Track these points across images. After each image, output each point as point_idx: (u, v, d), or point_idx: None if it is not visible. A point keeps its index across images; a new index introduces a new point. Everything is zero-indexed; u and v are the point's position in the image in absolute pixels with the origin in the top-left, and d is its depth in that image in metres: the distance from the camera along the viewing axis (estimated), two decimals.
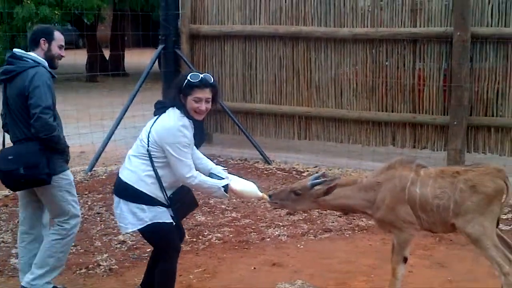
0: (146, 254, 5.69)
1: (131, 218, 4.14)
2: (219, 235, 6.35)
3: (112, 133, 9.05)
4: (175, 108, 4.14)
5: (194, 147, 4.43)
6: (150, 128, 4.15)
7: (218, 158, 9.19)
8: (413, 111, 8.95)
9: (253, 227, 6.57)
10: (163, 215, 4.16)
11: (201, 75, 4.12)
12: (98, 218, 6.84)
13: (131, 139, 4.36)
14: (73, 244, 4.87)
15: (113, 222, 6.68)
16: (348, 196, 4.52)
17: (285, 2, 9.62)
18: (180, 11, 10.22)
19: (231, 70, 10.22)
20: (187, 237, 6.23)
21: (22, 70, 4.48)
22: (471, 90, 8.49)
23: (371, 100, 9.22)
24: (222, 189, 4.17)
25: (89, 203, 7.32)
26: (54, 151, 4.54)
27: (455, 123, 8.47)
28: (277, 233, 6.40)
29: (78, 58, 14.65)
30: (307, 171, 8.70)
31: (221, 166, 4.57)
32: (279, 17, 9.71)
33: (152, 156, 4.11)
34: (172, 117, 4.10)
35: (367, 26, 9.10)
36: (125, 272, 5.46)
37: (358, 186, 4.53)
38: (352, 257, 5.77)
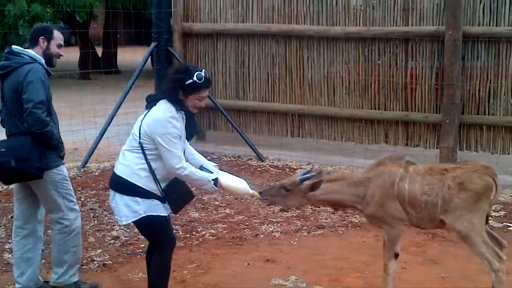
0: (140, 250, 5.71)
1: (125, 211, 4.16)
2: (212, 231, 6.36)
3: (105, 130, 9.06)
4: (165, 100, 4.17)
5: (187, 143, 4.47)
6: (141, 121, 4.19)
7: (212, 155, 9.20)
8: (405, 109, 9.00)
9: (246, 224, 6.59)
10: (157, 208, 4.18)
11: (205, 75, 4.16)
12: (92, 214, 6.84)
13: (124, 136, 4.38)
14: (79, 236, 4.87)
15: (107, 218, 6.70)
16: (338, 191, 4.56)
17: (278, 0, 9.64)
18: (172, 9, 10.23)
19: (223, 68, 10.24)
20: (180, 233, 6.27)
21: (18, 66, 4.50)
22: (463, 88, 8.54)
23: (364, 98, 9.26)
24: (212, 182, 4.19)
25: (82, 199, 7.31)
26: (48, 146, 4.55)
27: (447, 121, 8.52)
28: (270, 229, 6.43)
29: (70, 55, 14.63)
30: (300, 168, 8.72)
31: (214, 162, 4.58)
32: (272, 15, 9.73)
33: (145, 148, 4.13)
34: (162, 109, 4.13)
35: (360, 25, 9.13)
36: (119, 268, 5.46)
37: (348, 182, 4.56)
38: (345, 254, 5.80)
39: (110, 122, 9.12)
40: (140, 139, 4.13)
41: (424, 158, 8.12)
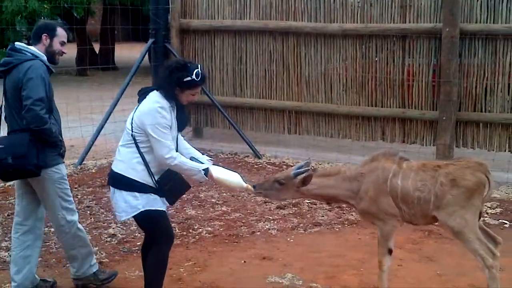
0: (136, 248, 5.71)
1: (124, 206, 4.20)
2: (209, 229, 6.36)
3: (101, 126, 9.05)
4: (155, 92, 4.22)
5: (181, 137, 4.50)
6: (133, 114, 4.23)
7: (209, 152, 9.19)
8: (402, 106, 9.00)
9: (243, 221, 6.60)
10: (156, 203, 4.22)
11: (201, 72, 4.20)
12: (88, 212, 6.84)
13: (121, 133, 4.37)
14: (81, 234, 4.89)
15: (103, 215, 6.70)
16: (332, 185, 4.57)
17: None
18: (170, 6, 10.22)
19: (221, 65, 10.23)
20: (177, 230, 6.27)
21: (19, 63, 4.51)
22: (460, 85, 8.55)
23: (361, 95, 9.26)
24: (202, 172, 4.21)
25: (79, 196, 7.31)
26: (47, 143, 4.55)
27: (444, 118, 8.52)
28: (267, 227, 6.43)
29: (68, 51, 14.57)
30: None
31: (209, 157, 4.60)
32: (269, 12, 9.72)
33: (137, 141, 4.17)
34: (152, 100, 4.17)
35: (357, 22, 9.12)
36: (115, 266, 5.46)
37: (342, 176, 4.58)
38: (341, 251, 5.81)
39: (107, 119, 9.11)
40: (132, 132, 4.18)
41: (421, 155, 8.15)
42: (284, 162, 9.10)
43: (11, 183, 7.76)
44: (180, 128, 4.36)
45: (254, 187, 4.56)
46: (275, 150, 9.61)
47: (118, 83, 11.95)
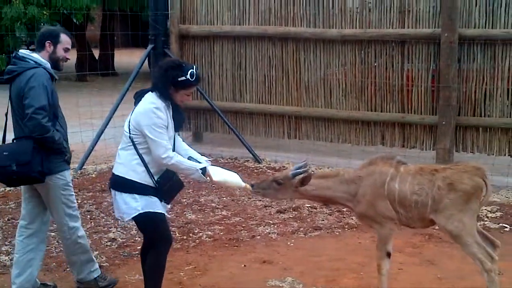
0: (137, 252, 5.70)
1: (125, 208, 4.23)
2: (209, 233, 6.37)
3: (101, 132, 9.06)
4: (150, 93, 4.25)
5: (179, 138, 4.52)
6: (130, 117, 4.26)
7: (209, 157, 9.16)
8: (402, 111, 9.02)
9: (243, 225, 6.60)
10: (155, 205, 4.24)
11: (196, 72, 4.22)
12: (88, 216, 6.84)
13: (121, 138, 4.40)
14: (82, 241, 4.91)
15: (103, 220, 6.71)
16: (330, 187, 4.59)
17: (274, 2, 9.66)
18: (169, 11, 10.24)
19: (220, 70, 10.26)
20: (177, 234, 6.27)
21: (22, 71, 4.53)
22: (459, 90, 8.57)
23: (360, 100, 9.28)
24: (200, 171, 4.23)
25: (79, 201, 7.29)
26: (51, 150, 4.56)
27: (443, 123, 8.54)
28: (267, 231, 6.43)
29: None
30: None
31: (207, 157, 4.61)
32: (268, 17, 9.76)
33: (135, 142, 4.20)
34: (147, 101, 4.20)
35: (356, 27, 9.16)
36: (116, 270, 5.46)
37: (340, 179, 4.60)
38: (341, 255, 5.81)
39: (107, 124, 9.13)
40: (130, 134, 4.21)
41: (421, 160, 8.14)
42: (284, 166, 9.09)
43: (11, 188, 7.80)
44: (177, 128, 4.38)
45: (252, 186, 4.58)
46: (275, 155, 9.62)
47: (118, 89, 11.96)
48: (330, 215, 6.92)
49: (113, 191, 4.32)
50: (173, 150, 4.25)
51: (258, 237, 6.29)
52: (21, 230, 4.82)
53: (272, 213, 7.00)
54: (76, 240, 4.84)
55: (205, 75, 10.31)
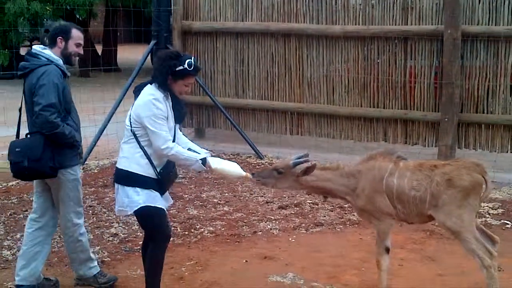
0: (138, 247, 5.70)
1: (127, 201, 4.27)
2: (211, 228, 6.38)
3: (104, 127, 9.07)
4: (149, 85, 4.27)
5: (180, 132, 4.53)
6: (130, 110, 4.29)
7: (211, 153, 9.19)
8: (404, 107, 9.02)
9: (245, 221, 6.61)
10: (156, 200, 4.27)
11: (194, 63, 4.25)
12: (90, 211, 6.85)
13: (123, 133, 4.42)
14: (83, 239, 4.94)
15: (105, 215, 6.72)
16: (330, 179, 4.60)
17: None
18: (172, 7, 10.23)
19: (223, 66, 10.26)
20: (179, 230, 6.28)
21: (35, 68, 4.56)
22: (462, 87, 8.56)
23: (363, 97, 9.28)
24: (200, 161, 4.24)
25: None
26: (62, 145, 4.58)
27: (446, 119, 8.54)
28: (268, 226, 6.44)
29: None
30: None
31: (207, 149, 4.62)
32: (271, 14, 9.75)
33: (137, 135, 4.23)
34: (146, 93, 4.23)
35: (359, 24, 9.15)
36: (117, 265, 5.48)
37: (341, 172, 4.60)
38: (343, 251, 5.81)
39: (110, 119, 9.14)
40: (131, 127, 4.24)
41: (423, 156, 8.15)
42: None
43: (13, 182, 7.83)
44: (178, 120, 4.39)
45: (253, 175, 4.59)
46: (277, 151, 9.62)
47: (120, 85, 11.95)
48: (332, 211, 6.93)
49: (116, 185, 4.35)
50: (174, 141, 4.27)
51: (260, 232, 6.29)
52: (31, 223, 4.85)
53: (273, 209, 7.01)
54: (77, 238, 4.87)
55: (207, 71, 10.32)
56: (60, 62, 4.66)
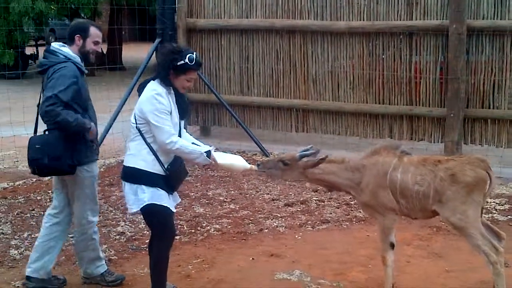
0: (145, 245, 5.71)
1: (133, 199, 4.29)
2: (217, 226, 6.38)
3: (110, 126, 9.08)
4: (152, 81, 4.28)
5: (185, 131, 4.53)
6: (135, 108, 4.31)
7: (216, 151, 9.20)
8: (410, 103, 9.00)
9: (251, 219, 6.61)
10: (162, 198, 4.28)
11: (196, 58, 4.25)
12: None
13: (128, 132, 4.43)
14: (96, 237, 4.99)
15: (112, 213, 6.73)
16: (335, 173, 4.60)
17: None
18: (176, 5, 10.23)
19: (228, 64, 10.26)
20: (185, 228, 6.29)
21: (52, 65, 4.60)
22: (468, 82, 8.54)
23: (368, 93, 9.27)
24: (204, 154, 4.25)
25: None
26: (79, 141, 4.61)
27: (451, 115, 8.51)
28: (275, 224, 6.44)
29: None
30: None
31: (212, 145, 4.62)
32: (276, 10, 9.74)
33: (142, 132, 4.24)
34: (149, 88, 4.25)
35: (364, 19, 9.13)
36: (124, 263, 5.49)
37: (346, 166, 4.60)
38: (349, 248, 5.81)
39: (115, 118, 9.14)
40: (136, 124, 4.26)
41: (429, 152, 8.14)
42: None
43: (19, 182, 7.87)
44: (182, 115, 4.39)
45: (258, 166, 4.60)
46: (283, 148, 9.58)
47: (125, 83, 11.96)
48: (338, 208, 6.92)
49: (123, 183, 4.37)
50: (180, 137, 4.28)
51: (266, 230, 6.29)
52: (49, 217, 4.91)
53: (280, 206, 7.01)
54: (91, 236, 4.91)
55: (212, 68, 10.32)
56: (78, 59, 4.70)
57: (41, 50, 22.24)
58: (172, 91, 4.28)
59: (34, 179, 7.99)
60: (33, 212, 6.78)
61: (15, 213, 6.71)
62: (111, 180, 7.92)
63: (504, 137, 8.48)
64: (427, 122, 8.92)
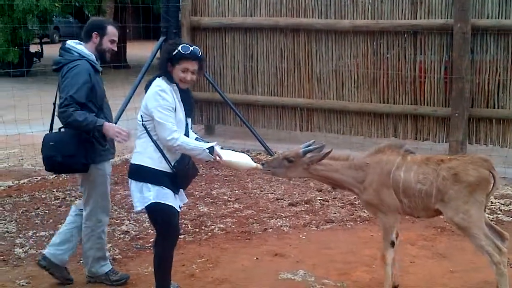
0: (149, 244, 5.74)
1: (138, 197, 4.30)
2: (221, 225, 6.39)
3: (114, 124, 9.07)
4: (156, 78, 4.29)
5: (192, 131, 4.53)
6: (141, 105, 4.32)
7: (223, 149, 9.20)
8: (414, 103, 8.99)
9: (255, 218, 6.61)
10: (167, 197, 4.28)
11: (191, 47, 4.25)
12: None
13: (133, 131, 4.44)
14: (104, 237, 5.00)
15: (116, 212, 6.74)
16: (338, 170, 4.60)
17: None
18: (181, 3, 10.24)
19: (232, 62, 10.26)
20: (190, 227, 6.30)
21: (67, 62, 4.61)
22: (472, 82, 8.52)
23: (373, 92, 9.26)
24: (207, 150, 4.23)
25: None
26: (93, 139, 4.62)
27: (456, 114, 8.50)
28: (279, 223, 6.44)
29: None
30: None
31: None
32: (280, 9, 9.74)
33: (148, 129, 4.25)
34: (154, 85, 4.26)
35: (368, 18, 9.12)
36: (129, 262, 5.50)
37: (349, 164, 4.61)
38: (353, 248, 5.81)
39: (120, 116, 9.15)
40: (142, 121, 4.27)
41: (434, 152, 8.12)
42: None
43: (24, 180, 7.88)
44: (188, 113, 4.38)
45: (263, 165, 4.59)
46: (287, 147, 9.48)
47: (130, 81, 12.00)
48: (342, 208, 6.92)
49: (129, 181, 4.39)
50: (187, 135, 4.29)
51: (270, 230, 6.30)
52: (74, 207, 5.00)
53: (284, 206, 7.01)
54: (99, 235, 4.92)
55: (216, 67, 10.33)
56: (92, 57, 4.70)
57: (46, 48, 22.37)
58: (177, 88, 4.29)
59: (39, 178, 8.01)
60: (38, 210, 6.79)
61: (20, 212, 6.73)
62: (116, 178, 7.93)
63: (509, 137, 8.45)
64: (432, 122, 8.91)
